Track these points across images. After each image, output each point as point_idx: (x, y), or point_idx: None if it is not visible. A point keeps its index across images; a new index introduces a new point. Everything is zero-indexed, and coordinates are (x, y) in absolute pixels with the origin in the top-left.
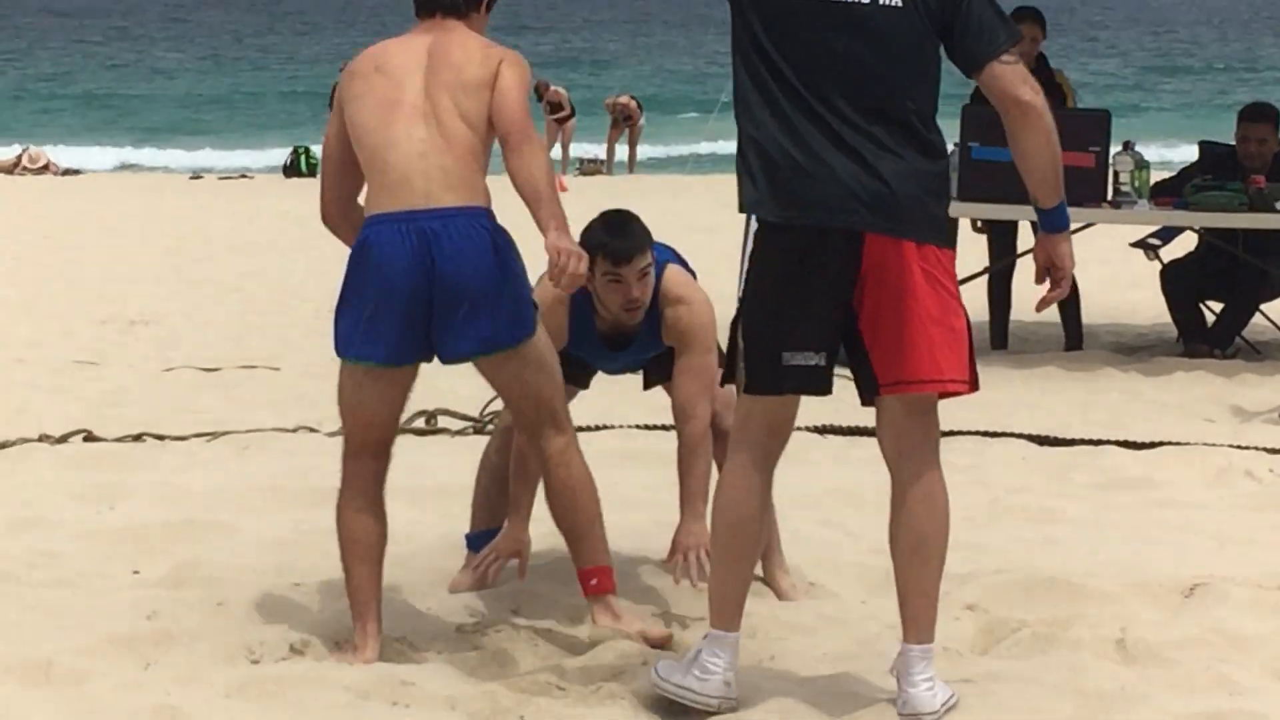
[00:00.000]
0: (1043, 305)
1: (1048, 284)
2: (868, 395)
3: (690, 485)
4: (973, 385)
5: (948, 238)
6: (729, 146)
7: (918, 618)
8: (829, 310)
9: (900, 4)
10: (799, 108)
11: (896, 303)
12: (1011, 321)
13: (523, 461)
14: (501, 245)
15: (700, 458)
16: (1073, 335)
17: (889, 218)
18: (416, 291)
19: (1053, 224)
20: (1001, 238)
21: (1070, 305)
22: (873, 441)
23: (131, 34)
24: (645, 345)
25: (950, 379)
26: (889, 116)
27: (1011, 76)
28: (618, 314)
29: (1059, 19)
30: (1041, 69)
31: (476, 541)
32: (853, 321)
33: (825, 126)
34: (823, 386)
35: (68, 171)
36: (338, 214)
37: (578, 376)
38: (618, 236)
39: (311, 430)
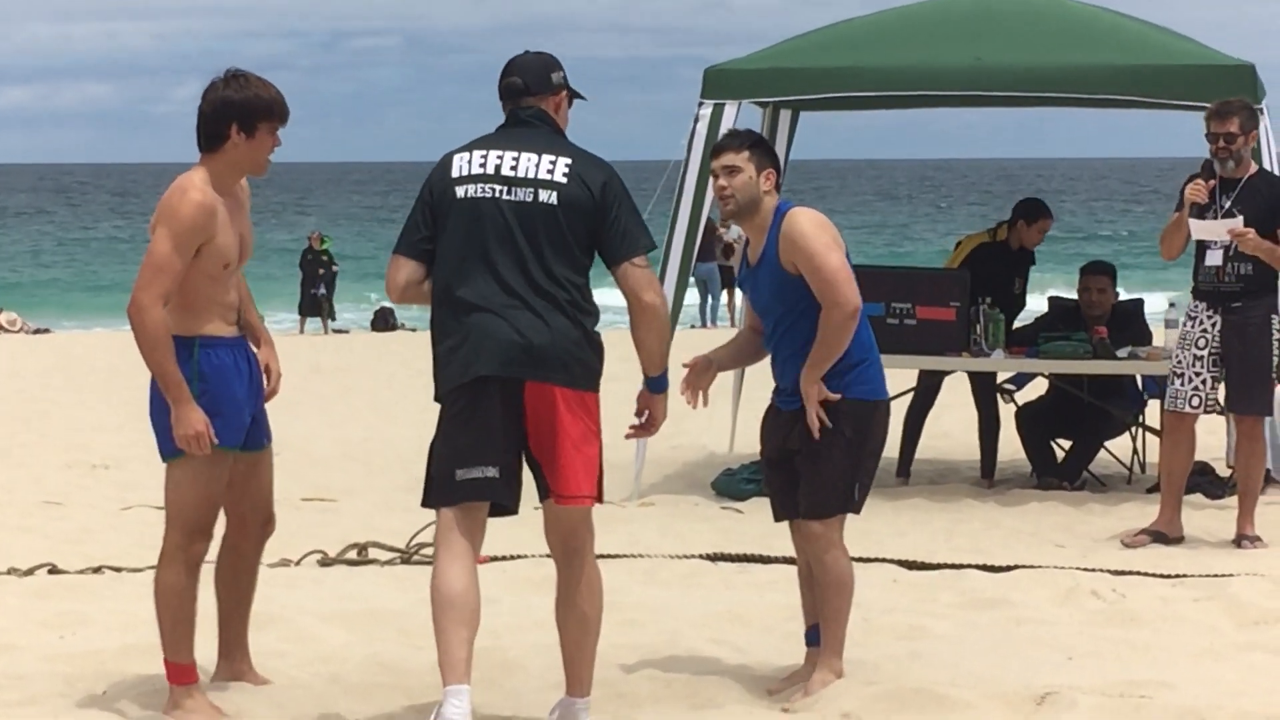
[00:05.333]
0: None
1: (641, 421)
2: (542, 496)
3: None
4: (599, 498)
5: (591, 382)
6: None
7: (581, 678)
8: (500, 436)
9: (556, 203)
10: (479, 287)
11: (551, 431)
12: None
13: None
14: None
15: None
16: (987, 467)
17: (541, 368)
18: None
19: (656, 387)
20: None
21: (988, 437)
22: (757, 568)
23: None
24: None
25: (584, 495)
26: (546, 291)
27: (639, 278)
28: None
29: None
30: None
31: (811, 636)
32: (525, 442)
33: (496, 299)
34: (496, 494)
35: (38, 331)
36: None
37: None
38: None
39: None
